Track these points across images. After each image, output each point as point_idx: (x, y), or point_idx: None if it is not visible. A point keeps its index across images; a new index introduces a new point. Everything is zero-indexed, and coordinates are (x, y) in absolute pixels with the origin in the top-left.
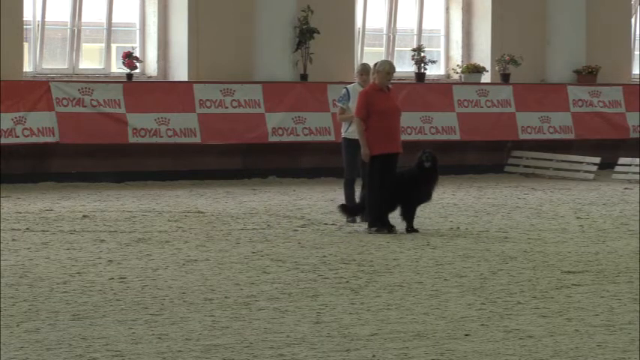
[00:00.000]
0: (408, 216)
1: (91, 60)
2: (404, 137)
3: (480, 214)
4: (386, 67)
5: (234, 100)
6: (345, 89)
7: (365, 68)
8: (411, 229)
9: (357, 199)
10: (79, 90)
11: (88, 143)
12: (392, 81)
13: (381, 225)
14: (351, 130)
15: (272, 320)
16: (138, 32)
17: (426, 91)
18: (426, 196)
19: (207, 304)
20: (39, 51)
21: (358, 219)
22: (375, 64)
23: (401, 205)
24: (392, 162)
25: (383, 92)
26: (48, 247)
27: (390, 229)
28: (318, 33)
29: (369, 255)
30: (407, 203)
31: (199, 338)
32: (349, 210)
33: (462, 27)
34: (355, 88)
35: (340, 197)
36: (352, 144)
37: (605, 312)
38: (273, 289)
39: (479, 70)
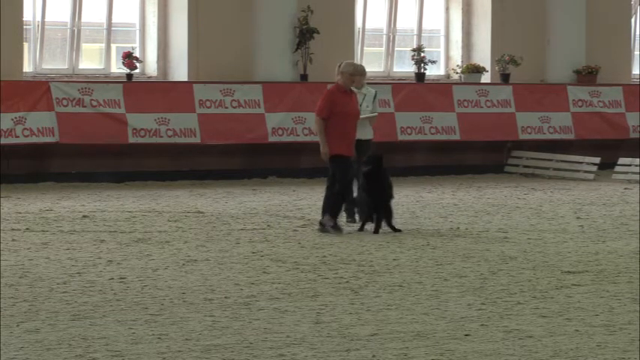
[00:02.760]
0: (383, 217)
1: (91, 60)
2: (404, 137)
3: (480, 214)
4: (349, 69)
5: (234, 100)
6: None
7: (358, 70)
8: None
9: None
10: (79, 90)
11: (88, 143)
12: (391, 81)
13: (334, 224)
14: None
15: (272, 320)
16: (138, 32)
17: (426, 91)
18: (381, 197)
19: (207, 304)
20: (39, 51)
21: (357, 219)
22: (339, 65)
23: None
24: (348, 164)
25: (347, 94)
26: (48, 247)
27: (340, 230)
28: (318, 33)
29: (369, 255)
30: (374, 206)
31: (199, 338)
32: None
33: (462, 27)
34: None
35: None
36: None
37: (605, 312)
38: (273, 289)
39: (479, 70)
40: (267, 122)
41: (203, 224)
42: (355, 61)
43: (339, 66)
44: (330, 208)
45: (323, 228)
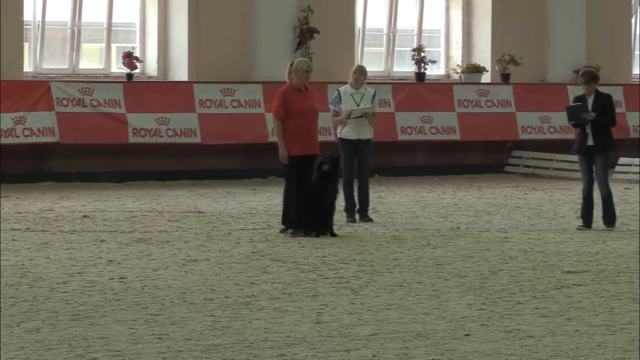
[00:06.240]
0: (324, 221)
1: (91, 60)
2: (404, 137)
3: (480, 214)
4: (304, 66)
5: (234, 100)
6: (336, 91)
7: (360, 69)
8: (331, 233)
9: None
10: (79, 90)
11: (88, 143)
12: (392, 81)
13: (296, 228)
14: (346, 131)
15: (272, 320)
16: (138, 32)
17: (426, 91)
18: (329, 200)
19: (207, 304)
20: (39, 51)
21: (358, 218)
22: (292, 64)
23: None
24: (310, 164)
25: (300, 92)
26: (48, 247)
27: (307, 231)
28: (318, 33)
29: (369, 255)
30: (314, 208)
31: (199, 338)
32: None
33: (462, 27)
34: (347, 90)
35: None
36: (348, 144)
37: (605, 312)
38: (273, 289)
39: (479, 70)
40: (267, 122)
41: (203, 224)
42: (356, 62)
43: (291, 65)
44: (289, 211)
45: (291, 233)
